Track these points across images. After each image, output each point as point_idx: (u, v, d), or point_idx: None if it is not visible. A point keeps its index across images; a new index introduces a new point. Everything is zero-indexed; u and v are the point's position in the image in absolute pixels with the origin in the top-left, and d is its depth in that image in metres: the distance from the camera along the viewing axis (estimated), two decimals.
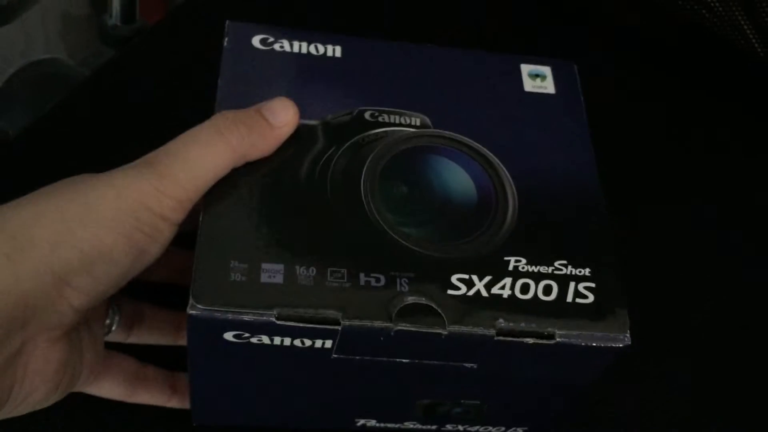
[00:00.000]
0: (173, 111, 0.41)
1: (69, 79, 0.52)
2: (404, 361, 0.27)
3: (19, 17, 0.55)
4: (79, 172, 0.39)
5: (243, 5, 0.47)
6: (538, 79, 0.33)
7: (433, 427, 0.33)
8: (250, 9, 0.47)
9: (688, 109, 0.48)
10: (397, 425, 0.32)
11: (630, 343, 0.26)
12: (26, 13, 0.58)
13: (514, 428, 0.33)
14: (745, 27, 0.41)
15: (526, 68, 0.33)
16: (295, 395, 0.30)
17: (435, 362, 0.27)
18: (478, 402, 0.30)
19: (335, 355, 0.26)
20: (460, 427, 0.33)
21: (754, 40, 0.42)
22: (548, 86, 0.33)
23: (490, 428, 0.33)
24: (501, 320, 0.26)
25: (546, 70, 0.33)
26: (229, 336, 0.25)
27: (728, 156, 0.46)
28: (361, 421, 0.32)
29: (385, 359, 0.27)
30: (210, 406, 0.31)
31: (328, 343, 0.26)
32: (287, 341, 0.26)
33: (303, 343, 0.26)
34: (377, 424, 0.32)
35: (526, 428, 0.33)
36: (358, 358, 0.27)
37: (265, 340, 0.26)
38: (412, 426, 0.32)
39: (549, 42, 0.47)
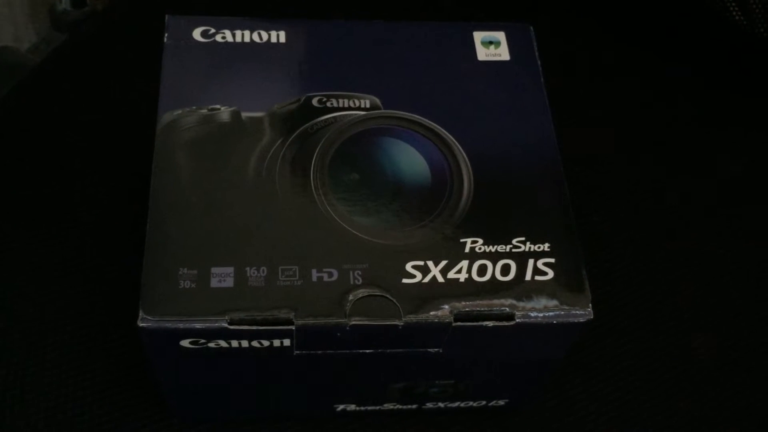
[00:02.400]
0: (125, 97, 0.41)
1: (20, 68, 0.51)
2: (367, 351, 0.27)
3: None
4: (31, 161, 0.39)
5: None
6: (491, 47, 0.32)
7: (414, 406, 0.33)
8: None
9: (652, 73, 0.45)
10: (377, 407, 0.32)
11: (592, 317, 0.26)
12: None
13: (495, 401, 0.33)
14: None
15: (478, 35, 0.32)
16: (267, 389, 0.30)
17: (398, 350, 0.27)
18: (453, 381, 0.30)
19: (297, 352, 0.26)
20: (441, 404, 0.33)
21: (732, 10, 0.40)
22: (502, 53, 0.32)
23: (471, 403, 0.33)
24: (458, 306, 0.25)
25: (500, 35, 0.32)
26: (185, 343, 0.25)
27: (695, 128, 0.44)
28: (341, 406, 0.32)
29: (347, 351, 0.27)
30: (185, 404, 0.31)
31: (287, 342, 0.26)
32: (245, 343, 0.25)
33: (261, 343, 0.26)
34: (357, 408, 0.32)
35: (507, 399, 0.33)
36: (320, 352, 0.27)
37: (223, 344, 0.25)
38: (392, 407, 0.32)
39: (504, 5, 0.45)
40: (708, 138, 0.43)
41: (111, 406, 0.32)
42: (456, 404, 0.33)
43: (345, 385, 0.30)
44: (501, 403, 0.33)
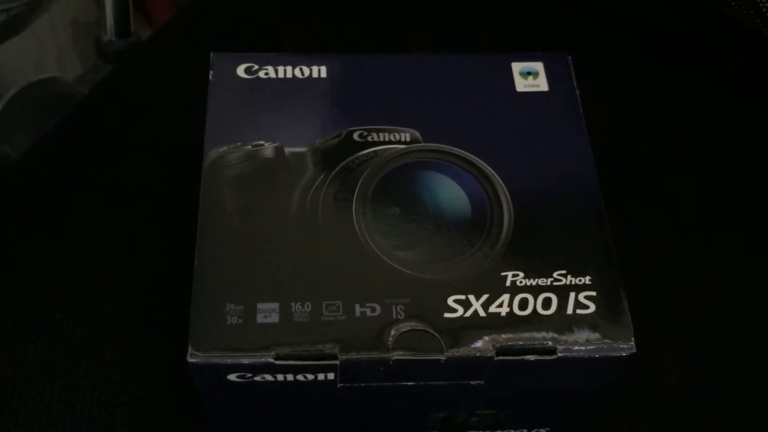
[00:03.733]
0: (169, 125, 0.42)
1: (68, 98, 0.53)
2: (409, 384, 0.27)
3: (28, 28, 0.56)
4: (80, 192, 0.40)
5: (235, 14, 0.47)
6: (530, 77, 0.32)
7: None
8: (243, 18, 0.47)
9: (690, 101, 0.45)
10: None
11: (635, 350, 0.26)
12: (32, 26, 0.59)
13: (536, 429, 0.33)
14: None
15: (517, 66, 0.32)
16: (309, 419, 0.30)
17: (441, 383, 0.27)
18: (494, 411, 0.30)
19: (340, 385, 0.27)
20: None
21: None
22: (541, 83, 0.32)
23: (512, 431, 0.33)
24: (499, 340, 0.26)
25: (538, 66, 0.32)
26: (232, 377, 0.26)
27: (730, 156, 0.43)
28: None
29: (390, 384, 0.27)
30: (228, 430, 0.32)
31: (331, 376, 0.26)
32: (290, 377, 0.26)
33: (306, 377, 0.26)
34: None
35: (548, 428, 0.33)
36: (363, 385, 0.27)
37: (269, 378, 0.26)
38: None
39: (540, 35, 0.45)
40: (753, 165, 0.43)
41: (157, 429, 0.33)
42: None
43: (386, 416, 0.30)
44: (542, 431, 0.33)
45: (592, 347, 0.26)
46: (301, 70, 0.32)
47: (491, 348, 0.26)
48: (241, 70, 0.31)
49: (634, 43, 0.46)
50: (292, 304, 0.26)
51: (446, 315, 0.26)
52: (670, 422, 0.35)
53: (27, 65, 0.71)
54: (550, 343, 0.26)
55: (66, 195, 0.40)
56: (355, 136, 0.30)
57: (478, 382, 0.27)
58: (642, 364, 0.35)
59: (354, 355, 0.25)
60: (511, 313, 0.26)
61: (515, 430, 0.32)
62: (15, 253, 0.38)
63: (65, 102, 0.51)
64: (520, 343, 0.26)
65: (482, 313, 0.26)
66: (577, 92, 0.32)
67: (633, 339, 0.26)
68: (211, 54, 0.32)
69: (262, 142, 0.30)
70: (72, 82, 0.54)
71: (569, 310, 0.26)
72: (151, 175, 0.40)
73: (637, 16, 0.46)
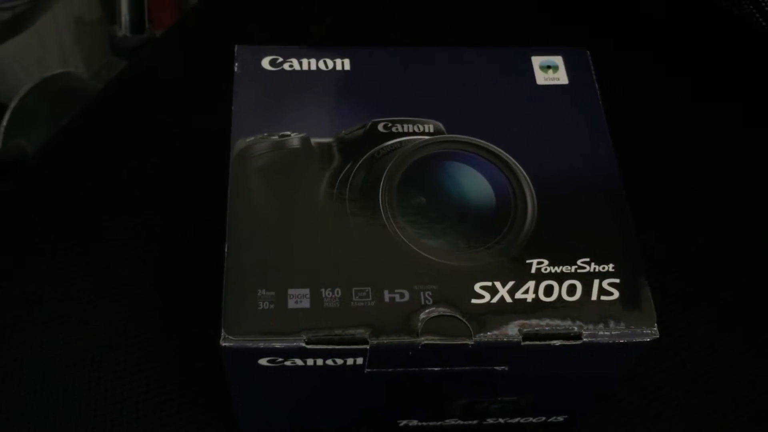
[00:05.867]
0: (185, 121, 0.42)
1: (83, 93, 0.53)
2: (436, 369, 0.28)
3: (32, 26, 0.56)
4: (96, 186, 0.40)
5: (249, 10, 0.47)
6: (550, 71, 0.33)
7: (474, 421, 0.33)
8: (258, 14, 0.47)
9: (709, 92, 0.46)
10: (438, 423, 0.33)
11: (658, 336, 0.27)
12: (39, 24, 0.59)
13: (554, 417, 0.33)
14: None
15: (537, 60, 0.33)
16: (336, 404, 0.31)
17: (466, 368, 0.28)
18: (515, 398, 0.31)
19: (368, 370, 0.27)
20: (501, 420, 0.33)
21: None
22: (561, 77, 0.32)
23: (530, 419, 0.33)
24: (526, 325, 0.26)
25: (557, 60, 0.33)
26: (263, 362, 0.26)
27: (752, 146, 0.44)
28: (403, 422, 0.33)
29: (417, 369, 0.27)
30: (255, 418, 0.32)
31: (360, 360, 0.27)
32: (320, 362, 0.26)
33: (335, 362, 0.27)
34: (419, 423, 0.33)
35: (566, 416, 0.33)
36: (390, 370, 0.27)
37: (299, 362, 0.26)
38: (453, 422, 0.33)
39: (559, 30, 0.46)
40: None
41: (183, 420, 0.34)
42: (516, 420, 0.33)
43: (410, 401, 0.31)
44: (560, 419, 0.33)
45: (616, 333, 0.26)
46: (325, 62, 0.32)
47: (518, 333, 0.26)
48: (266, 62, 0.32)
49: (648, 41, 0.47)
50: (323, 290, 0.26)
51: (473, 301, 0.27)
52: (684, 417, 0.35)
53: (30, 62, 0.72)
54: (575, 328, 0.26)
55: (82, 188, 0.40)
56: (380, 127, 0.30)
57: (503, 367, 0.28)
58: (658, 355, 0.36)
59: (384, 340, 0.26)
60: (536, 299, 0.27)
61: (534, 417, 0.33)
62: (31, 245, 0.38)
63: (81, 97, 0.51)
64: (547, 328, 0.26)
65: (508, 300, 0.27)
66: (596, 86, 0.32)
67: (656, 325, 0.27)
68: (236, 47, 0.32)
69: (288, 133, 0.30)
70: (87, 77, 0.55)
71: (594, 297, 0.27)
72: (167, 169, 0.41)
73: (653, 16, 0.47)
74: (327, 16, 0.47)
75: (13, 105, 0.51)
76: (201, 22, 0.48)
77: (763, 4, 0.40)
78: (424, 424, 0.33)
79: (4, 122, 0.51)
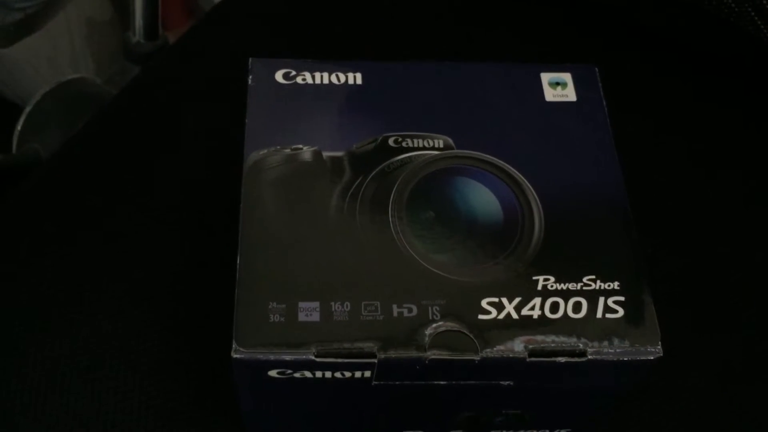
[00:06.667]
0: (199, 128, 0.43)
1: (97, 98, 0.53)
2: (442, 382, 0.28)
3: (44, 27, 0.57)
4: (110, 190, 0.41)
5: (261, 17, 0.48)
6: (558, 87, 0.33)
7: None
8: (270, 20, 0.48)
9: (719, 108, 0.46)
10: None
11: (662, 354, 0.27)
12: (51, 25, 0.60)
13: (557, 430, 0.34)
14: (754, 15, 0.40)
15: (546, 77, 0.33)
16: (342, 416, 0.31)
17: (472, 382, 0.28)
18: (519, 411, 0.31)
19: (375, 383, 0.28)
20: None
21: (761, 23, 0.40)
22: (569, 94, 0.33)
23: None
24: (532, 342, 0.27)
25: (566, 77, 0.33)
26: (272, 373, 0.27)
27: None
28: None
29: (423, 382, 0.28)
30: (263, 429, 0.32)
31: (368, 373, 0.27)
32: (328, 374, 0.27)
33: (343, 374, 0.27)
34: None
35: (569, 429, 0.34)
36: (398, 383, 0.28)
37: (307, 374, 0.27)
38: None
39: (567, 46, 0.46)
40: None
41: (192, 428, 0.34)
42: None
43: (415, 413, 0.31)
44: None
45: (620, 350, 0.27)
46: (337, 76, 0.33)
47: (524, 349, 0.27)
48: (279, 76, 0.32)
49: (658, 56, 0.47)
50: (332, 303, 0.27)
51: (480, 316, 0.27)
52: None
53: (41, 64, 0.72)
54: (580, 345, 0.27)
55: (96, 193, 0.41)
56: (390, 141, 0.31)
57: (508, 382, 0.28)
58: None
59: (392, 354, 0.26)
60: (542, 316, 0.27)
61: (537, 430, 0.33)
62: (45, 250, 0.39)
63: (95, 102, 0.52)
64: (552, 345, 0.27)
65: (515, 315, 0.27)
66: (604, 103, 0.33)
67: (660, 343, 0.27)
68: (250, 60, 0.33)
69: (300, 146, 0.31)
70: (101, 83, 0.55)
71: (599, 314, 0.27)
72: (180, 176, 0.41)
73: (662, 29, 0.47)
74: (337, 24, 0.48)
75: (28, 109, 0.52)
76: (213, 29, 0.49)
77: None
78: None
79: (19, 126, 0.52)
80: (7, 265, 0.39)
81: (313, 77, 0.33)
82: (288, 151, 0.30)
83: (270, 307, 0.27)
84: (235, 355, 0.26)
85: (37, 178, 0.42)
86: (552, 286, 0.28)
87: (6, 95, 0.70)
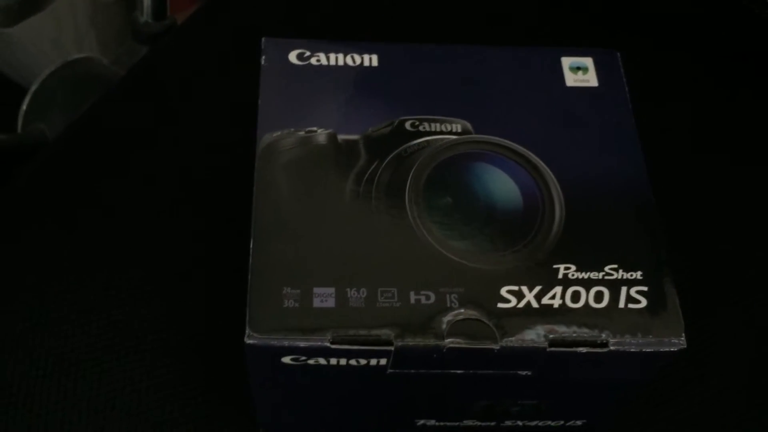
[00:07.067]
0: (207, 108, 0.42)
1: (104, 79, 0.53)
2: (459, 371, 0.27)
3: (48, 6, 0.56)
4: (117, 172, 0.40)
5: None
6: (579, 72, 0.32)
7: (493, 423, 0.33)
8: (281, 2, 0.47)
9: (744, 96, 0.45)
10: (456, 423, 0.33)
11: (685, 345, 0.26)
12: (55, 4, 0.58)
13: (573, 421, 0.33)
14: None
15: (566, 61, 0.32)
16: (356, 404, 0.30)
17: (489, 371, 0.27)
18: (536, 401, 0.31)
19: (391, 371, 0.27)
20: (519, 423, 0.33)
21: None
22: (590, 79, 0.32)
23: (549, 422, 0.33)
24: (553, 331, 0.26)
25: (587, 61, 0.32)
26: (286, 360, 0.26)
27: None
28: (421, 421, 0.33)
29: (440, 371, 0.27)
30: (275, 418, 0.32)
31: (383, 361, 0.26)
32: (343, 361, 0.26)
33: (358, 362, 0.26)
34: (437, 423, 0.33)
35: (585, 420, 0.33)
36: (413, 371, 0.27)
37: (322, 361, 0.26)
38: (471, 423, 0.33)
39: (588, 31, 0.46)
40: None
41: (203, 419, 0.34)
42: (534, 423, 0.33)
43: (430, 402, 0.31)
44: (578, 423, 0.33)
45: (643, 341, 0.26)
46: (352, 57, 0.32)
47: (544, 339, 0.26)
48: (293, 56, 0.32)
49: (682, 42, 0.46)
50: (348, 289, 0.26)
51: (499, 305, 0.26)
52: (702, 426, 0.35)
53: (45, 44, 0.71)
54: (602, 336, 0.26)
55: (102, 175, 0.40)
56: (407, 125, 0.30)
57: (526, 372, 0.28)
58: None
59: (409, 341, 0.26)
60: (563, 305, 0.26)
61: (553, 420, 0.33)
62: (49, 232, 0.38)
63: (101, 82, 0.51)
64: (573, 335, 0.26)
65: (535, 305, 0.26)
66: (626, 88, 0.32)
67: (683, 334, 0.26)
68: (263, 39, 0.32)
69: (315, 129, 0.30)
70: (109, 63, 0.54)
71: (621, 304, 0.27)
72: (187, 158, 0.41)
73: (680, 16, 0.47)
74: (352, 3, 0.47)
75: (33, 89, 0.51)
76: (222, 9, 0.48)
77: None
78: (442, 424, 0.33)
79: (24, 106, 0.51)
80: (11, 245, 0.38)
81: (328, 58, 0.32)
82: (302, 133, 0.30)
83: (284, 292, 0.26)
84: (248, 341, 0.25)
85: (43, 160, 0.42)
86: (573, 275, 0.27)
87: (11, 76, 0.69)
